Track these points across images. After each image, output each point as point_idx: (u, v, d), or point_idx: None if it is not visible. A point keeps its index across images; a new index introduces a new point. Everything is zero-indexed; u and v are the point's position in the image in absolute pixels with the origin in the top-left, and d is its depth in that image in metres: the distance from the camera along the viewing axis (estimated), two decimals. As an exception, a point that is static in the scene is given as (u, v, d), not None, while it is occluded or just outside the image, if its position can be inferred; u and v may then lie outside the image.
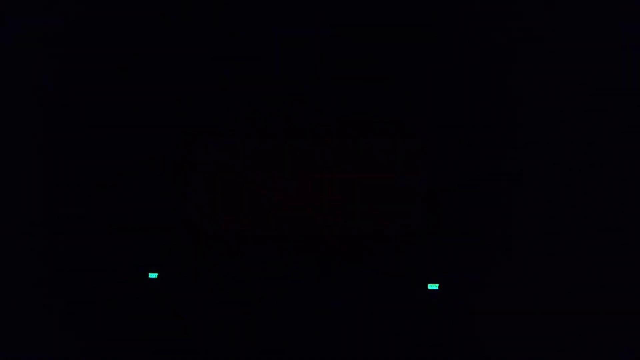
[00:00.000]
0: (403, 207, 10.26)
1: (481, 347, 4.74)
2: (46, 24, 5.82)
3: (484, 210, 8.21)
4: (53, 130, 9.28)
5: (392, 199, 10.55)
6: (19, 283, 7.64)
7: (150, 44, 6.89)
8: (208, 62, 7.88)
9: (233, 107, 10.34)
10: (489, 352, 4.57)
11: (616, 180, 3.50)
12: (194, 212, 11.15)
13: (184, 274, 9.96)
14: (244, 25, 5.87)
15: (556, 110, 5.03)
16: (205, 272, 10.49)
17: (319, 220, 10.97)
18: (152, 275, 9.39)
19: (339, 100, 9.66)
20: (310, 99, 9.64)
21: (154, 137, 10.31)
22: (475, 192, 8.81)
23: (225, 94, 9.42)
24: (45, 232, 8.53)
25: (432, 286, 8.02)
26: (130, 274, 9.52)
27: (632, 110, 3.96)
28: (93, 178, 9.03)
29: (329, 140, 10.52)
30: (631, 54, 4.14)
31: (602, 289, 3.71)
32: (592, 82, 4.80)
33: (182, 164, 10.98)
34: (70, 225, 9.10)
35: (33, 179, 9.03)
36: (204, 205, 11.24)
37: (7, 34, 5.82)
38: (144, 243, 10.23)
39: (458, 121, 8.43)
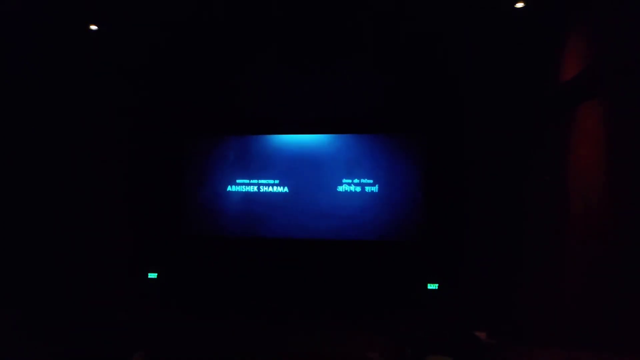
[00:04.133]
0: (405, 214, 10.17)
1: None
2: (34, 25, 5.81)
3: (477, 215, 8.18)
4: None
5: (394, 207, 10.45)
6: (26, 281, 7.69)
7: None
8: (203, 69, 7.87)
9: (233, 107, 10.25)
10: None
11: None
12: (190, 219, 11.18)
13: (180, 274, 10.01)
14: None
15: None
16: (202, 273, 10.49)
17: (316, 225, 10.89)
18: (152, 275, 9.43)
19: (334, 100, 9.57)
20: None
21: (152, 148, 10.20)
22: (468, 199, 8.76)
23: (225, 95, 9.34)
24: (56, 237, 8.62)
25: (432, 286, 8.01)
26: (133, 274, 9.62)
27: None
28: (104, 190, 9.07)
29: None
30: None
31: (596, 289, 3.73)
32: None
33: (178, 176, 10.97)
34: (81, 232, 9.19)
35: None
36: (199, 212, 11.28)
37: None
38: (146, 247, 10.32)
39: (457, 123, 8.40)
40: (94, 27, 5.74)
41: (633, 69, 3.25)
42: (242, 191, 11.49)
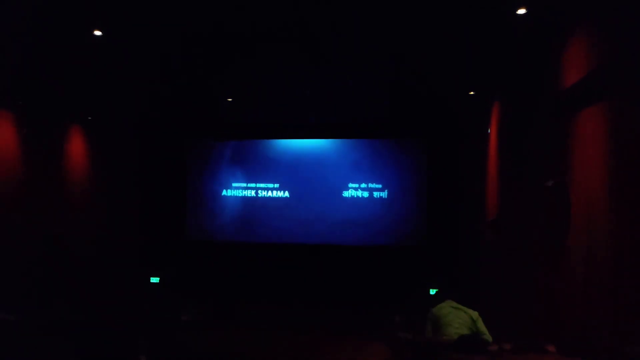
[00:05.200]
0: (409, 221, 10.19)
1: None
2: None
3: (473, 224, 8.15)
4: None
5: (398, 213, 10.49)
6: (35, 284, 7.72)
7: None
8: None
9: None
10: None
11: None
12: (190, 227, 11.24)
13: (183, 278, 10.02)
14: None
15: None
16: (204, 277, 10.49)
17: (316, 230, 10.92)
18: (154, 280, 9.46)
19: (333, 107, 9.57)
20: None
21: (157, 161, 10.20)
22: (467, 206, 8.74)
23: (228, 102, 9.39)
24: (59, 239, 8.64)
25: (434, 291, 7.99)
26: (136, 278, 9.63)
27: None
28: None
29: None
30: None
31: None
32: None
33: (181, 182, 11.04)
34: (90, 240, 9.23)
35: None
36: (198, 221, 11.35)
37: None
38: (149, 251, 10.33)
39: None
40: (98, 33, 5.77)
41: (637, 75, 3.25)
42: (244, 196, 11.44)
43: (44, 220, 8.58)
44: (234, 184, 11.39)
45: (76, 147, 9.60)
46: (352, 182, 10.92)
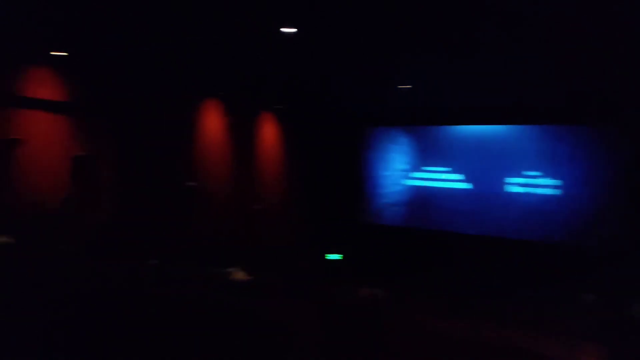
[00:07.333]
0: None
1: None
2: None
3: None
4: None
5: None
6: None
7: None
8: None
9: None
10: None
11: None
12: (366, 211, 11.13)
13: (360, 258, 10.08)
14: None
15: None
16: (381, 259, 10.52)
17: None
18: (336, 257, 9.84)
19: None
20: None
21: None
22: None
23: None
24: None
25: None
26: (315, 256, 10.02)
27: None
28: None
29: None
30: None
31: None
32: None
33: (357, 167, 11.04)
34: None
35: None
36: (378, 202, 11.24)
37: None
38: (326, 233, 10.52)
39: None
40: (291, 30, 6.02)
41: None
42: (421, 185, 11.15)
43: (243, 197, 9.75)
44: (411, 171, 11.32)
45: (269, 132, 10.64)
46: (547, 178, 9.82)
